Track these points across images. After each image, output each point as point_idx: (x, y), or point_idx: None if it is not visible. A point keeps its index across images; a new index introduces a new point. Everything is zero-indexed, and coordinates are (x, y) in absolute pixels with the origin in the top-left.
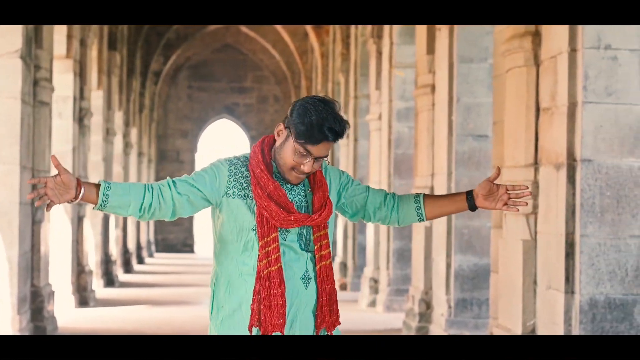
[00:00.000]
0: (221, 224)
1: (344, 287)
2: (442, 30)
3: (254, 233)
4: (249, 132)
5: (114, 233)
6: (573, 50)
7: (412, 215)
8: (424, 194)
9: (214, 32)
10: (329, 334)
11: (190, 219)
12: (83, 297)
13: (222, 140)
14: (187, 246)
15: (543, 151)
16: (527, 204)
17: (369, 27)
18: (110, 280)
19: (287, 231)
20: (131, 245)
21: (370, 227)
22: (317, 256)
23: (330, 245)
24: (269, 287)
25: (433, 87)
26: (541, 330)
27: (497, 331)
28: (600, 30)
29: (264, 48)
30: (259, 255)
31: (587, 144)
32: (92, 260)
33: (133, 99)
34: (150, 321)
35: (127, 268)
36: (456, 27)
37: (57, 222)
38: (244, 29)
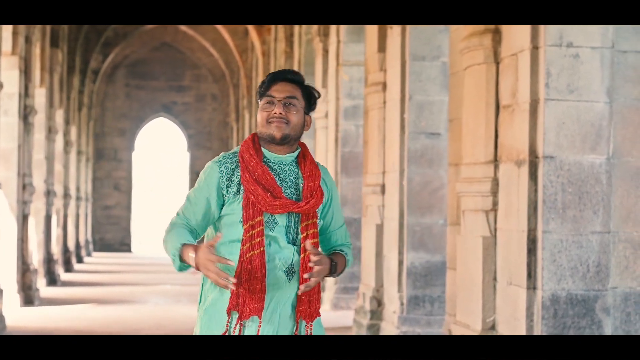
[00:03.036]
0: (217, 221)
1: None
2: (394, 29)
3: (242, 224)
4: (186, 131)
5: (55, 232)
6: (535, 48)
7: None
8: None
9: (152, 31)
10: (307, 324)
11: (127, 219)
12: (28, 295)
13: (160, 139)
14: (124, 245)
15: (503, 148)
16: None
17: (314, 26)
18: (52, 279)
19: (275, 222)
20: (71, 244)
21: None
22: (302, 245)
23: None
24: (250, 270)
25: (384, 85)
26: (502, 326)
27: (454, 327)
28: (562, 28)
29: (202, 46)
30: (242, 239)
31: (549, 140)
32: (35, 259)
33: (73, 97)
34: (100, 320)
35: (68, 267)
36: (409, 26)
37: (1, 221)
38: (182, 27)
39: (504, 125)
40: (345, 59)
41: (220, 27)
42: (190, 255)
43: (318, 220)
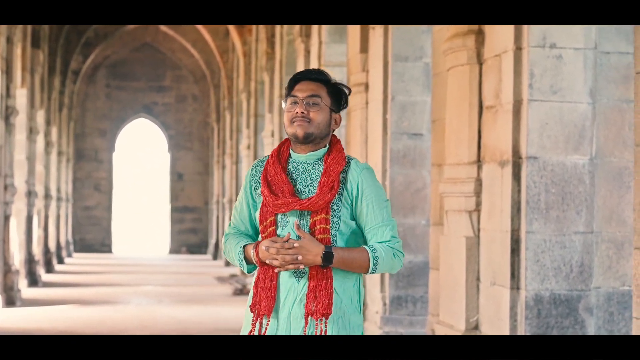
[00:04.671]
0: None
1: None
2: (377, 29)
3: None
4: (167, 132)
5: (37, 233)
6: (518, 49)
7: None
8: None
9: (132, 31)
10: (316, 322)
11: (108, 219)
12: (10, 296)
13: (141, 140)
14: (105, 246)
15: (486, 149)
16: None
17: (296, 26)
18: (33, 280)
19: (286, 222)
20: (52, 245)
21: None
22: None
23: (337, 232)
24: (264, 269)
25: (367, 86)
26: (485, 326)
27: (438, 327)
28: (545, 29)
29: (183, 47)
30: (260, 239)
31: (533, 141)
32: (16, 259)
33: (54, 97)
34: (82, 321)
35: (49, 268)
36: (391, 26)
37: None
38: (163, 27)
39: (487, 126)
40: (327, 60)
41: (201, 28)
42: (252, 251)
43: (333, 216)
